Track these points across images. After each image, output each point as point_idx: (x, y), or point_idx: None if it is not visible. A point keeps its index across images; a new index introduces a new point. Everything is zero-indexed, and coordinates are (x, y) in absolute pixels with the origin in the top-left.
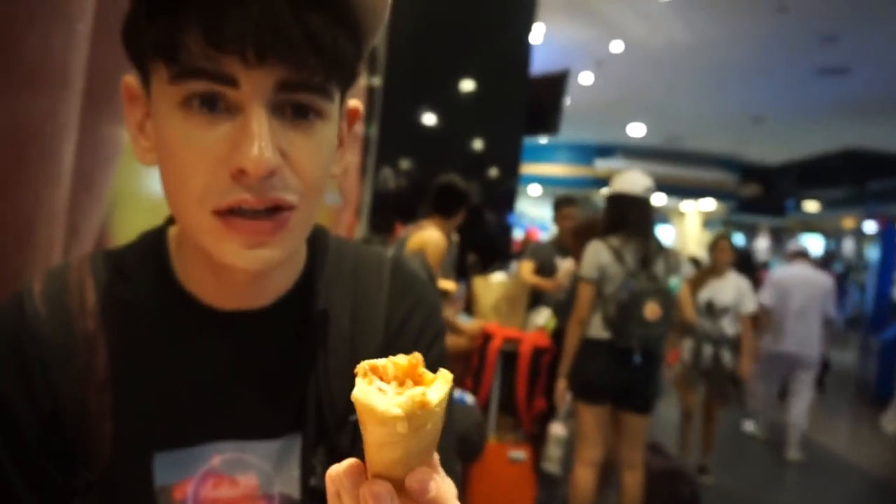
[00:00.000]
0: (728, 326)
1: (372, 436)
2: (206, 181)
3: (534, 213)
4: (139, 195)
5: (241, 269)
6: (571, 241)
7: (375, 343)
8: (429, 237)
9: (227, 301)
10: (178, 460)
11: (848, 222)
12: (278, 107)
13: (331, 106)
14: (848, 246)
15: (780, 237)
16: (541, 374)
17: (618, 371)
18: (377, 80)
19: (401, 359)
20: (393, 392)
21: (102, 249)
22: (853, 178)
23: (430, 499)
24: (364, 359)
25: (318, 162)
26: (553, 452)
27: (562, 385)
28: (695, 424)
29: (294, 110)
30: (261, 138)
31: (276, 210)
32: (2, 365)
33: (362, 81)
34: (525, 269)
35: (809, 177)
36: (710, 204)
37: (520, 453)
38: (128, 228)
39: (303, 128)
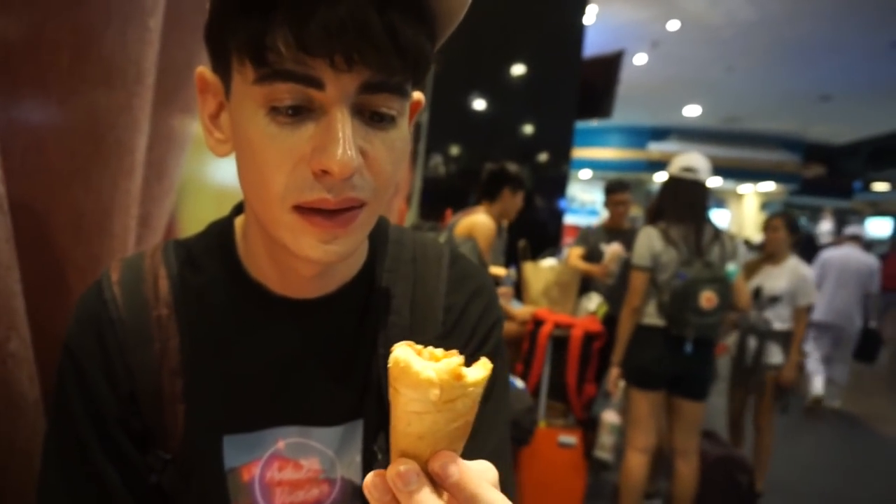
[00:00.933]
0: (777, 318)
1: (402, 403)
2: (288, 179)
3: (585, 198)
4: (204, 185)
5: (315, 261)
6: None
7: (434, 332)
8: (478, 222)
9: (292, 290)
10: (245, 443)
11: None
12: (358, 106)
13: (406, 104)
14: None
15: (845, 220)
16: (591, 360)
17: (672, 357)
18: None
19: (439, 351)
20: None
21: (173, 239)
22: None
23: (453, 483)
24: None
25: (394, 160)
26: (606, 440)
27: (615, 373)
28: (748, 434)
29: (372, 109)
30: (345, 141)
31: (349, 207)
32: (85, 348)
33: None
34: (573, 254)
35: (879, 156)
36: (769, 186)
37: (570, 438)
38: (193, 217)
39: (380, 127)
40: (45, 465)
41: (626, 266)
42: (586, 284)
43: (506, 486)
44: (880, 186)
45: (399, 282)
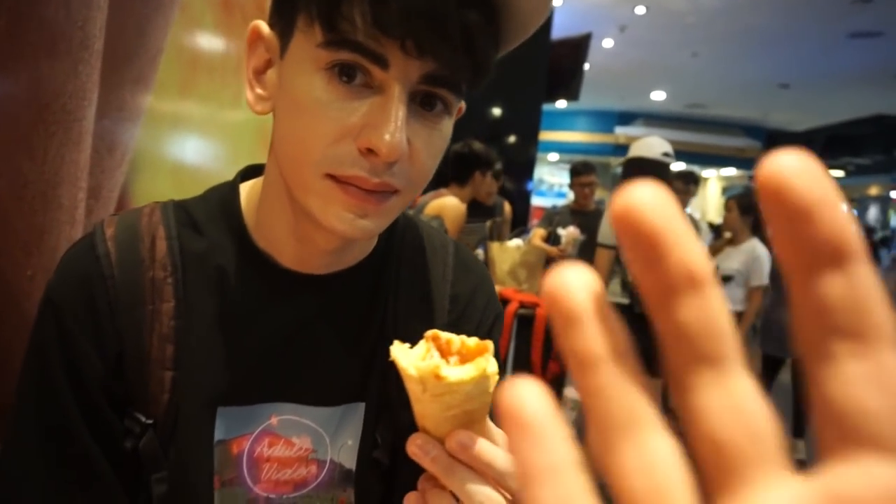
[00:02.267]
0: (729, 299)
1: (408, 391)
2: (329, 148)
3: (552, 180)
4: (159, 158)
5: (340, 233)
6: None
7: (441, 320)
8: (447, 204)
9: (302, 264)
10: (238, 416)
11: (874, 190)
12: (413, 94)
13: (458, 104)
14: (872, 214)
15: None
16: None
17: (635, 335)
18: None
19: (472, 340)
20: (441, 363)
21: (171, 200)
22: (881, 144)
23: (470, 455)
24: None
25: (434, 154)
26: (567, 415)
27: None
28: None
29: (423, 100)
30: (398, 123)
31: (383, 191)
32: (71, 304)
33: None
34: (536, 235)
35: (836, 144)
36: (731, 171)
37: None
38: (147, 191)
39: (428, 119)
40: (17, 422)
41: (585, 247)
42: (551, 265)
43: None
44: (835, 173)
45: (409, 266)
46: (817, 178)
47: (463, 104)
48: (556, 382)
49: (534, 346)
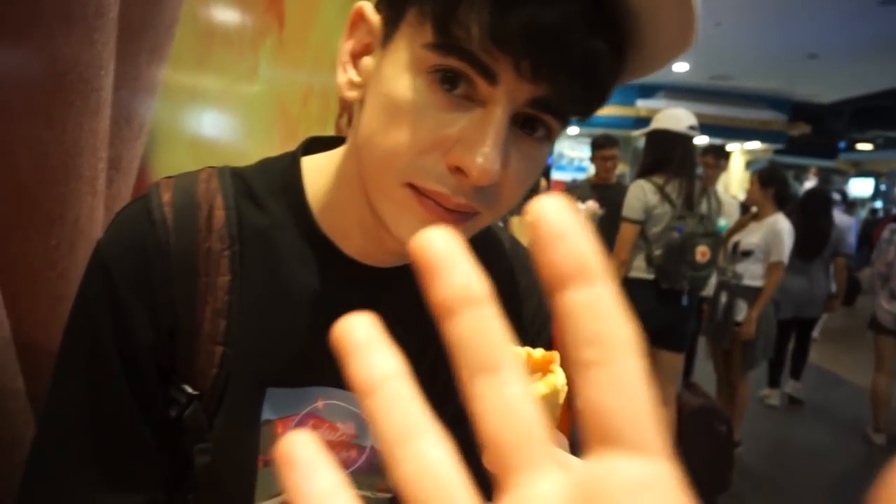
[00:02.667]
0: (748, 275)
1: None
2: (417, 157)
3: (573, 154)
4: (177, 131)
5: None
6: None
7: (501, 309)
8: None
9: (366, 256)
10: (286, 397)
11: None
12: (517, 115)
13: (562, 130)
14: None
15: (829, 179)
16: None
17: (662, 311)
18: None
19: (538, 352)
20: None
21: (227, 167)
22: None
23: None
24: None
25: (527, 182)
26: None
27: None
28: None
29: (526, 122)
30: (496, 147)
31: (464, 211)
32: (126, 270)
33: None
34: None
35: (862, 116)
36: (755, 145)
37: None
38: (167, 163)
39: (527, 144)
40: (62, 372)
41: (610, 221)
42: None
43: None
44: (863, 146)
45: (472, 255)
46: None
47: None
48: None
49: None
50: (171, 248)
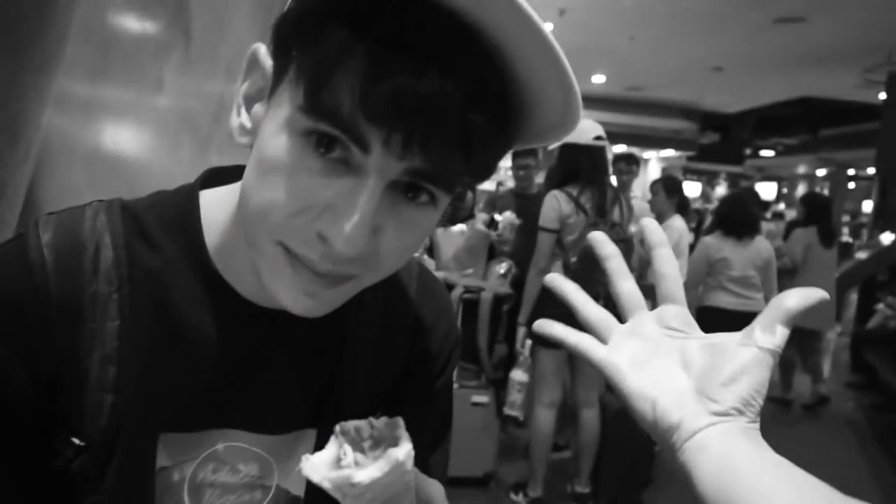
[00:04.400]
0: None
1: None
2: (288, 217)
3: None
4: (70, 148)
5: (284, 306)
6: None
7: (404, 344)
8: None
9: (262, 299)
10: (181, 443)
11: (801, 168)
12: (396, 183)
13: (448, 198)
14: (800, 191)
15: (738, 184)
16: (501, 322)
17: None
18: None
19: (381, 421)
20: (352, 457)
21: (117, 200)
22: (807, 125)
23: None
24: (391, 360)
25: (408, 248)
26: (515, 398)
27: (523, 333)
28: None
29: (409, 187)
30: (361, 219)
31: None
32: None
33: None
34: (479, 219)
35: (766, 125)
36: (669, 152)
37: (482, 398)
38: (60, 185)
39: (409, 208)
40: None
41: (528, 229)
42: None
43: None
44: (766, 153)
45: (370, 292)
46: None
47: (469, 195)
48: (503, 365)
49: (479, 330)
50: (50, 293)
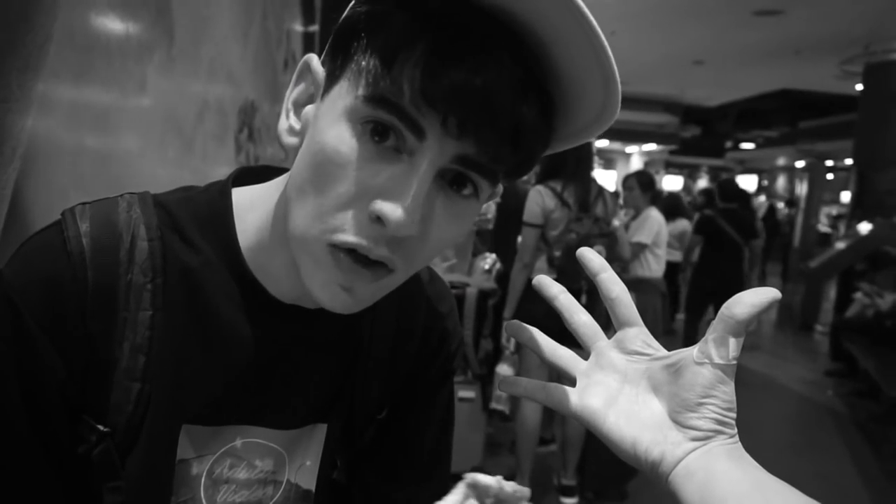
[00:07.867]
0: (647, 267)
1: None
2: (341, 209)
3: None
4: (55, 152)
5: (321, 302)
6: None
7: (415, 345)
8: None
9: (291, 297)
10: (202, 436)
11: (781, 160)
12: (444, 171)
13: (490, 189)
14: (780, 183)
15: (719, 177)
16: (487, 317)
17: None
18: (315, 28)
19: (510, 486)
20: None
21: (147, 193)
22: (787, 117)
23: None
24: (402, 360)
25: (449, 239)
26: (501, 392)
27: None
28: None
29: (455, 179)
30: (415, 201)
31: (380, 265)
32: (36, 306)
33: (300, 28)
34: None
35: (747, 117)
36: (652, 146)
37: (468, 393)
38: (47, 185)
39: (454, 200)
40: None
41: (513, 224)
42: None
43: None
44: (746, 146)
45: (387, 296)
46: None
47: (501, 190)
48: (489, 360)
49: (465, 326)
50: (87, 282)
